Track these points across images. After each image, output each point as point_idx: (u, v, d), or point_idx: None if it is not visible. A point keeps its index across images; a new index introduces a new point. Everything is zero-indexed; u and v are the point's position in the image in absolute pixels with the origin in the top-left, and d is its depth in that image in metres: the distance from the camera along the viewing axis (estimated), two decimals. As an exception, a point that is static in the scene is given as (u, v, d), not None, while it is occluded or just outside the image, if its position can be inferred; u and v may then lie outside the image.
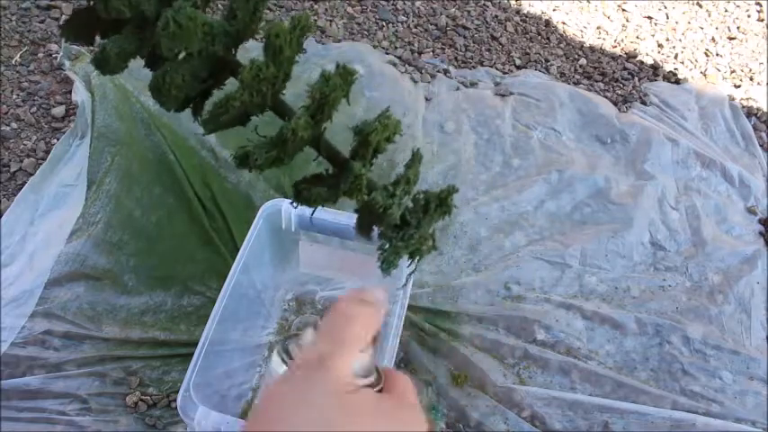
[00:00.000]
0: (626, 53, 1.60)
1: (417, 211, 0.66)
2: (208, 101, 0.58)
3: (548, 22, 1.64)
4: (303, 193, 0.61)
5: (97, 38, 0.57)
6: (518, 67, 1.53)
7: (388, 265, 0.64)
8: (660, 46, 1.64)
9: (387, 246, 0.65)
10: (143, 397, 0.94)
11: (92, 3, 0.50)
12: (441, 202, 0.67)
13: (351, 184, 0.58)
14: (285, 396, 0.31)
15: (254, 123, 0.58)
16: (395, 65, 1.44)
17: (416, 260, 0.68)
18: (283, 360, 0.35)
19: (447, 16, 1.59)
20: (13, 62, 1.32)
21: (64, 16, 1.41)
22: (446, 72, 1.46)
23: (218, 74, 0.56)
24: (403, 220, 0.65)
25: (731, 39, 1.69)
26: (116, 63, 0.50)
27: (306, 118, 0.53)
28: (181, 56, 0.53)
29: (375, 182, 0.62)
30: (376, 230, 0.66)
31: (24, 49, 1.34)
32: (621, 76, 1.53)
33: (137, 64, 0.53)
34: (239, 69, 0.55)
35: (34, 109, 1.25)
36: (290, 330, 1.02)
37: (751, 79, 1.59)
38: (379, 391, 0.35)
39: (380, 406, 0.32)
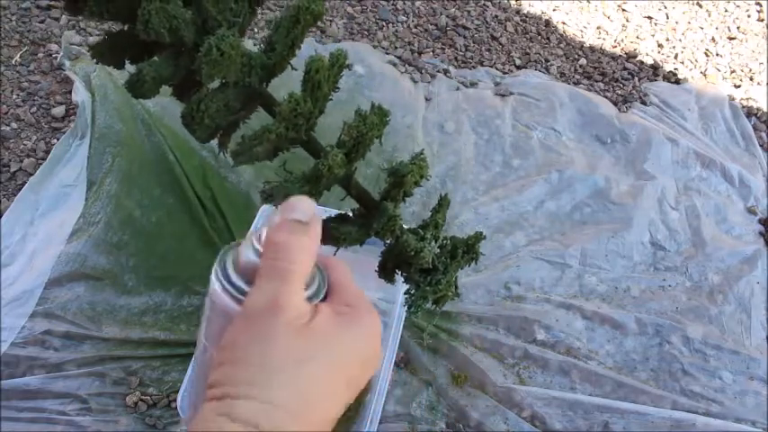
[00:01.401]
0: (626, 53, 1.60)
1: (444, 257, 0.66)
2: (235, 133, 0.58)
3: (548, 22, 1.64)
4: (332, 232, 0.61)
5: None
6: (518, 67, 1.53)
7: (416, 309, 0.65)
8: (660, 46, 1.64)
9: (414, 290, 0.65)
10: (143, 397, 0.94)
11: (126, 27, 0.50)
12: (468, 249, 0.67)
13: (384, 225, 0.58)
14: (248, 345, 0.31)
15: (282, 159, 0.58)
16: (395, 65, 1.44)
17: (440, 306, 0.68)
18: (231, 294, 0.34)
19: (447, 16, 1.59)
20: (13, 62, 1.32)
21: (64, 16, 1.41)
22: (446, 72, 1.46)
23: (249, 106, 0.56)
24: (431, 265, 0.64)
25: (731, 39, 1.69)
26: (150, 87, 0.50)
27: (342, 156, 0.53)
28: (213, 85, 0.53)
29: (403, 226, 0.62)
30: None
31: (24, 49, 1.34)
32: (621, 76, 1.53)
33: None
34: (277, 103, 0.55)
35: (34, 109, 1.25)
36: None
37: (751, 79, 1.59)
38: (325, 295, 0.35)
39: (339, 322, 0.33)
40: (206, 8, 0.48)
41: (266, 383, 0.30)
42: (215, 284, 0.34)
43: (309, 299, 0.34)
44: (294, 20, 0.52)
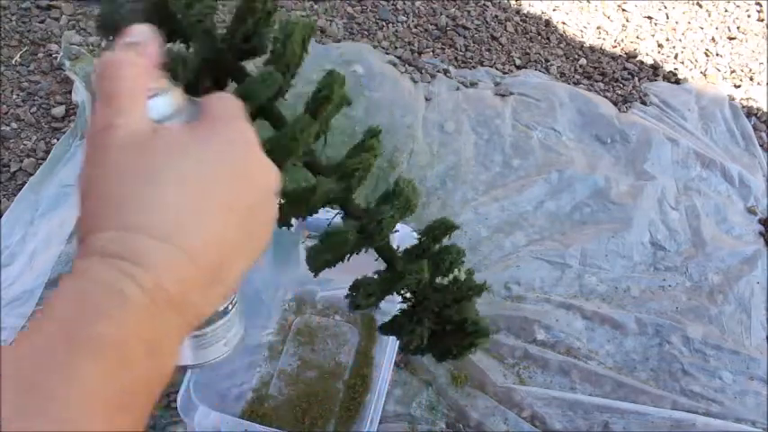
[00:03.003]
0: (626, 53, 1.60)
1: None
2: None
3: (548, 22, 1.65)
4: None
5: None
6: (518, 67, 1.53)
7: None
8: (660, 46, 1.64)
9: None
10: (143, 397, 0.94)
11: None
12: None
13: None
14: (90, 175, 0.28)
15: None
16: (395, 65, 1.44)
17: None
18: None
19: (447, 16, 1.59)
20: (13, 62, 1.32)
21: (64, 16, 1.41)
22: (446, 72, 1.46)
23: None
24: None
25: (731, 39, 1.69)
26: None
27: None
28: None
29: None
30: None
31: (24, 49, 1.34)
32: (621, 76, 1.53)
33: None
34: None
35: (34, 109, 1.25)
36: (290, 330, 1.02)
37: (751, 79, 1.59)
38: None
39: (192, 133, 0.29)
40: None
41: (115, 209, 0.26)
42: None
43: (162, 121, 0.31)
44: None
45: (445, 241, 0.68)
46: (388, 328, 0.72)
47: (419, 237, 0.65)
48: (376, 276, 0.66)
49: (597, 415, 0.97)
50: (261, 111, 0.54)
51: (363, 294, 0.62)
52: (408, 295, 0.68)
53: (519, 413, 0.97)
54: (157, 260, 0.26)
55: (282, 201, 0.56)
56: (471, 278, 0.69)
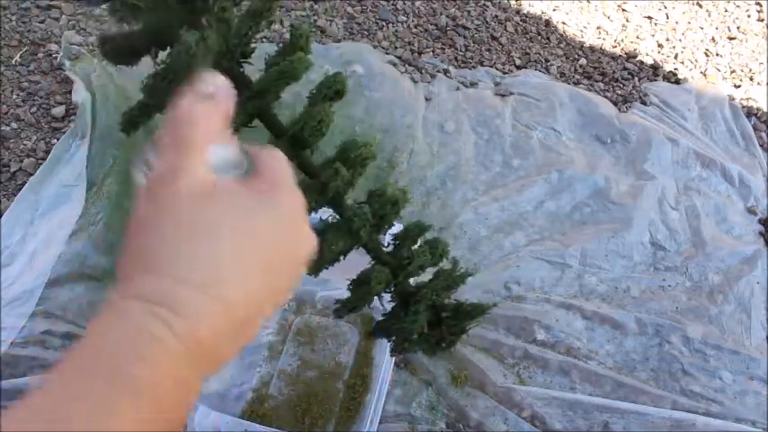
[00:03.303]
0: (626, 53, 1.60)
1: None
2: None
3: (548, 22, 1.64)
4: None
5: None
6: (518, 67, 1.53)
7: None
8: (660, 46, 1.64)
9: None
10: (143, 397, 0.94)
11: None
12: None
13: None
14: (147, 217, 0.29)
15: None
16: (395, 65, 1.44)
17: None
18: (145, 174, 0.32)
19: (447, 16, 1.59)
20: (13, 62, 1.32)
21: (64, 16, 1.41)
22: (446, 72, 1.46)
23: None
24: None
25: (731, 39, 1.68)
26: None
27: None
28: None
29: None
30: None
31: (24, 49, 1.34)
32: (621, 76, 1.53)
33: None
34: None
35: (34, 109, 1.25)
36: (290, 330, 1.02)
37: (751, 79, 1.59)
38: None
39: (251, 194, 0.30)
40: None
41: (164, 256, 0.27)
42: (134, 173, 0.33)
43: (220, 173, 0.32)
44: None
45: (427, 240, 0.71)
46: (380, 329, 0.73)
47: (393, 240, 0.68)
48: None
49: (597, 415, 0.97)
50: (260, 114, 0.54)
51: (376, 281, 0.64)
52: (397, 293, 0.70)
53: (519, 413, 0.97)
54: (196, 310, 0.27)
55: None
56: (457, 266, 0.72)
